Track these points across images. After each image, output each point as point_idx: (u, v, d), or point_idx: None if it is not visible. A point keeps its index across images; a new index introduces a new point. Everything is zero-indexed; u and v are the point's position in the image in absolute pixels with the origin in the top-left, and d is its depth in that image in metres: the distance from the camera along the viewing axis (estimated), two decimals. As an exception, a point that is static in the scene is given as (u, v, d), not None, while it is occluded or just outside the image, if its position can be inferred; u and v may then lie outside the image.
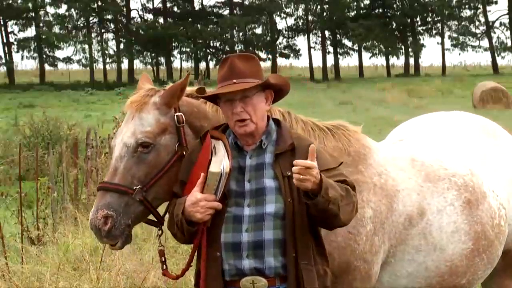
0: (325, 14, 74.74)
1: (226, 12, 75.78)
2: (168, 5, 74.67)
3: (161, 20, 74.51)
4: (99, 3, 70.47)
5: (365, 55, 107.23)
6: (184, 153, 3.58)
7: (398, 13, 76.13)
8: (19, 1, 67.96)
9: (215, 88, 3.50)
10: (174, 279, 3.94)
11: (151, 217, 3.68)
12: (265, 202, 3.29)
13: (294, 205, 3.28)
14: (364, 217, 3.75)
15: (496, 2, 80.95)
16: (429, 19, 77.81)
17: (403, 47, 76.14)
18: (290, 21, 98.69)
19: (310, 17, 76.14)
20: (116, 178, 3.50)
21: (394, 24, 76.27)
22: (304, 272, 3.25)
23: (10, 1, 67.84)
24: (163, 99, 3.62)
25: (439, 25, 77.61)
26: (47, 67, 71.13)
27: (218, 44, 74.90)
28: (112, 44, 74.41)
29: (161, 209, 3.70)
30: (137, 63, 75.51)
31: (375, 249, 3.78)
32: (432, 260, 3.95)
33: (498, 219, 4.17)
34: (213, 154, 3.35)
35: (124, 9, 72.30)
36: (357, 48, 76.80)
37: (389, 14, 77.30)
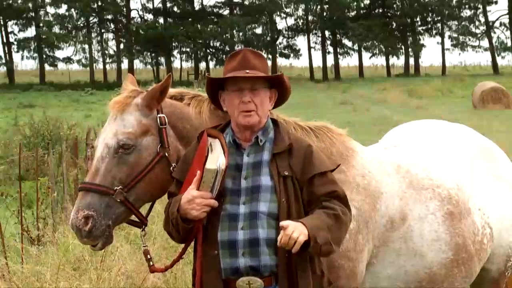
0: (325, 14, 74.77)
1: (226, 12, 75.89)
2: (168, 5, 74.70)
3: (161, 20, 74.55)
4: (99, 3, 70.51)
5: (365, 55, 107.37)
6: (166, 154, 3.61)
7: (398, 13, 76.21)
8: (19, 1, 68.00)
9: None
10: (163, 271, 3.97)
11: (134, 218, 3.69)
12: (260, 200, 3.29)
13: (289, 205, 3.28)
14: None
15: (496, 2, 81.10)
16: (429, 19, 77.90)
17: (403, 47, 76.19)
18: (290, 21, 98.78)
19: (310, 17, 76.22)
20: (97, 179, 3.52)
21: (394, 24, 76.33)
22: (299, 274, 3.26)
23: (10, 1, 67.86)
24: (144, 100, 3.65)
25: (439, 25, 77.69)
26: (47, 67, 71.23)
27: (218, 44, 74.90)
28: (112, 44, 74.58)
29: (143, 210, 3.71)
30: (137, 63, 75.70)
31: (359, 247, 3.80)
32: (411, 265, 4.01)
33: (481, 236, 4.23)
34: (209, 151, 3.36)
35: (124, 9, 72.32)
36: (357, 48, 76.87)
37: (389, 14, 77.35)
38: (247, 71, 3.36)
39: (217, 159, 3.29)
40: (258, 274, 3.27)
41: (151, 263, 3.67)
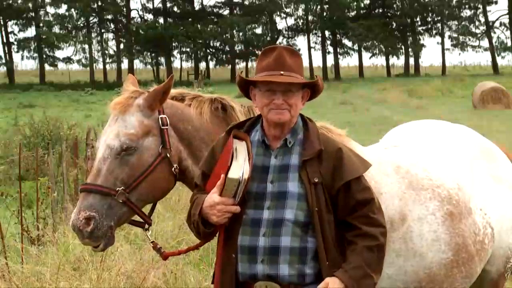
0: (325, 14, 74.80)
1: (226, 12, 75.91)
2: (168, 5, 74.73)
3: (161, 20, 74.59)
4: (99, 3, 70.56)
5: (365, 55, 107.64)
6: (168, 155, 3.60)
7: (398, 13, 76.26)
8: (19, 1, 68.03)
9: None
10: (176, 255, 3.95)
11: (136, 218, 3.69)
12: (286, 207, 3.19)
13: (322, 214, 3.20)
14: None
15: (496, 2, 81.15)
16: (429, 19, 77.96)
17: (403, 47, 76.22)
18: (290, 21, 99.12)
19: (310, 17, 76.26)
20: (99, 180, 3.51)
21: (394, 24, 76.37)
22: None
23: (10, 1, 67.89)
24: (146, 101, 3.64)
25: (439, 25, 77.74)
26: (47, 67, 71.30)
27: (218, 44, 74.94)
28: (112, 44, 74.64)
29: (146, 210, 3.71)
30: (137, 63, 75.79)
31: None
32: (411, 265, 4.00)
33: (482, 236, 4.22)
34: (234, 157, 3.25)
35: (124, 9, 72.37)
36: (357, 48, 76.89)
37: (389, 14, 77.40)
38: (282, 72, 3.21)
39: (241, 167, 3.20)
40: (276, 282, 3.20)
41: (162, 250, 3.68)
